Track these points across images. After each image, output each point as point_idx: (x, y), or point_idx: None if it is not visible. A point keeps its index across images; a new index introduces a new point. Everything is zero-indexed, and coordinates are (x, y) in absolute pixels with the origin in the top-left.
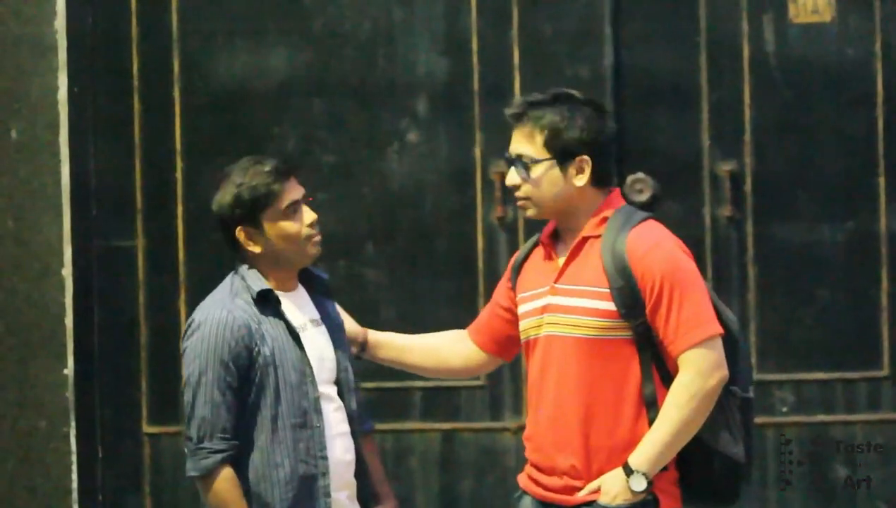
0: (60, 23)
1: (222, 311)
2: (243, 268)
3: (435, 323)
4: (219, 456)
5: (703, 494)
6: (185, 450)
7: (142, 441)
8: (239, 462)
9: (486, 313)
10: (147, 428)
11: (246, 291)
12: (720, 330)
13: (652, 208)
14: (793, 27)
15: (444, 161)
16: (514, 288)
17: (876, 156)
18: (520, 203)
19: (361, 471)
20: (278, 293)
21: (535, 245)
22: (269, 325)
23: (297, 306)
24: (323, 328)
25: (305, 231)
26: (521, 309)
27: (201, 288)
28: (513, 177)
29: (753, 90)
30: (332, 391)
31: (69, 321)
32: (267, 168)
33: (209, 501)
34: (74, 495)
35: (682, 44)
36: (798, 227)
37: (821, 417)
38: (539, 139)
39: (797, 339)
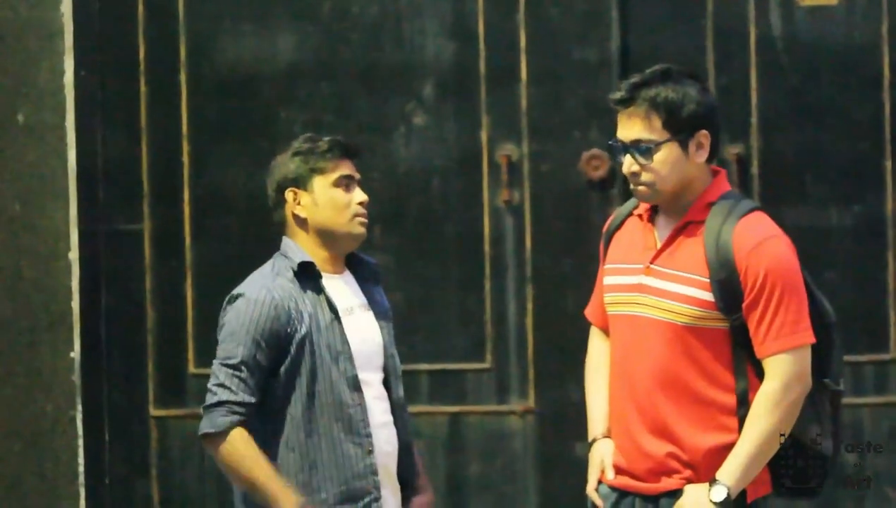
0: (67, 7)
1: (261, 291)
2: (285, 242)
3: (441, 306)
4: (235, 418)
5: (787, 486)
6: (202, 412)
7: (149, 425)
8: (277, 446)
9: (598, 296)
10: (154, 412)
11: (287, 268)
12: (812, 339)
13: None
14: (800, 10)
15: (450, 144)
16: (604, 257)
17: (883, 139)
18: (640, 189)
19: (405, 464)
20: (324, 274)
21: (629, 214)
22: (308, 303)
23: (345, 289)
24: (371, 314)
25: (355, 207)
26: (608, 280)
27: (208, 271)
28: (630, 164)
29: (760, 73)
30: (377, 378)
31: (76, 305)
32: (325, 146)
33: (224, 460)
34: (81, 478)
35: (689, 27)
36: (805, 211)
37: None
38: (657, 120)
39: None
